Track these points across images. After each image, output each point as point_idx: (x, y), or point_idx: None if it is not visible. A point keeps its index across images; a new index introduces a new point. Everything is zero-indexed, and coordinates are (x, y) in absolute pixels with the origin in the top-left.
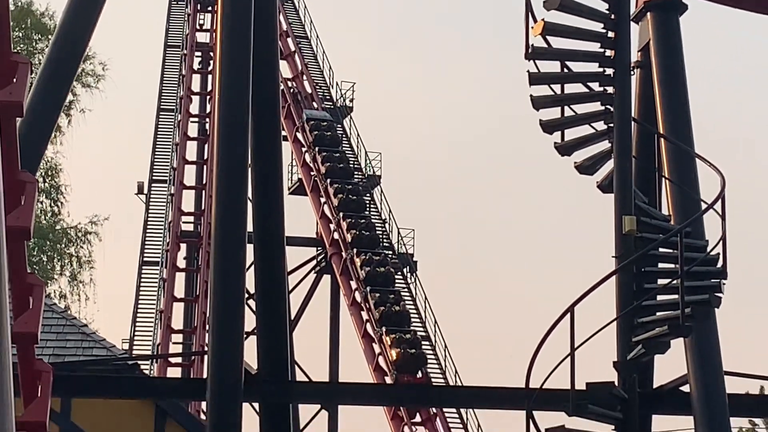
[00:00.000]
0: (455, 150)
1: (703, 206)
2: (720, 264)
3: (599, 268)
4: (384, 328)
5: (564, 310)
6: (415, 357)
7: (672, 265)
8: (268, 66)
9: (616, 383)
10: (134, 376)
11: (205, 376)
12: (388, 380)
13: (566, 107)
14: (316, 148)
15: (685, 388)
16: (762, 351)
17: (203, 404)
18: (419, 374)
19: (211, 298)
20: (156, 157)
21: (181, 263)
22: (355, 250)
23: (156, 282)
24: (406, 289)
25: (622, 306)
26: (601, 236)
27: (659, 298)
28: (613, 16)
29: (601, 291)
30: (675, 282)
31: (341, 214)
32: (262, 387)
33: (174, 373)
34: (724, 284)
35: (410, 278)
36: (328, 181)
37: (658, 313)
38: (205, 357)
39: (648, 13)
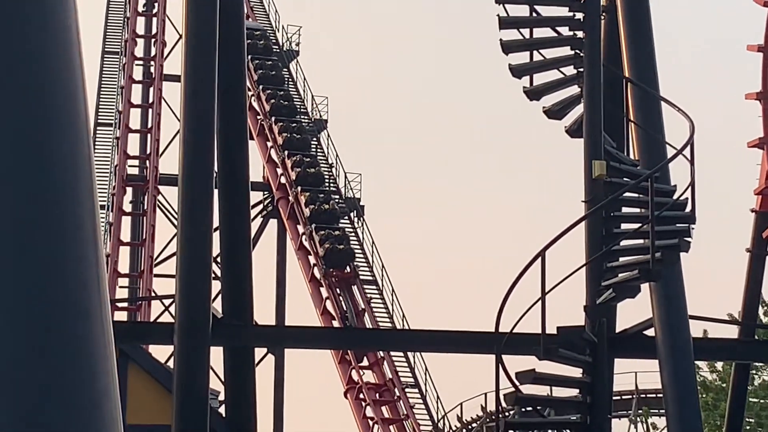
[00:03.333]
0: (409, 94)
1: (670, 150)
2: (688, 209)
3: (564, 212)
4: (313, 226)
5: (534, 255)
6: (343, 252)
7: (639, 210)
8: (234, 4)
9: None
10: None
11: (155, 319)
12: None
13: (535, 51)
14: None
15: (649, 332)
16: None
17: (150, 348)
18: (347, 269)
19: (178, 244)
20: (101, 100)
21: (127, 207)
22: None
23: (102, 226)
24: (353, 234)
25: (592, 250)
26: (569, 180)
27: (626, 242)
28: None
29: (567, 235)
30: (644, 227)
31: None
32: (227, 330)
33: (120, 317)
34: (692, 229)
35: (357, 223)
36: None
37: (627, 258)
38: (152, 302)
39: None
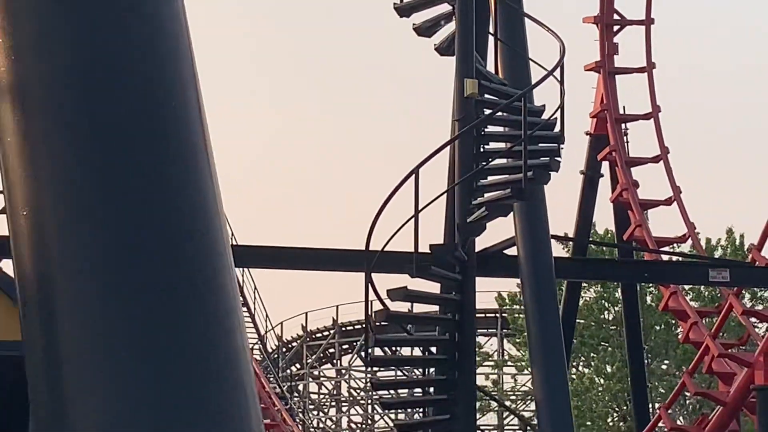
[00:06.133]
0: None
1: (535, 69)
2: (558, 129)
3: (430, 133)
4: None
5: (408, 172)
6: None
7: (502, 129)
8: None
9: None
10: None
11: None
12: None
13: None
14: None
15: (510, 251)
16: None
17: None
18: None
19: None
20: None
21: None
22: None
23: None
24: None
25: (463, 169)
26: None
27: (497, 161)
28: None
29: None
30: (516, 146)
31: None
32: None
33: None
34: (561, 149)
35: None
36: None
37: (498, 177)
38: None
39: None
